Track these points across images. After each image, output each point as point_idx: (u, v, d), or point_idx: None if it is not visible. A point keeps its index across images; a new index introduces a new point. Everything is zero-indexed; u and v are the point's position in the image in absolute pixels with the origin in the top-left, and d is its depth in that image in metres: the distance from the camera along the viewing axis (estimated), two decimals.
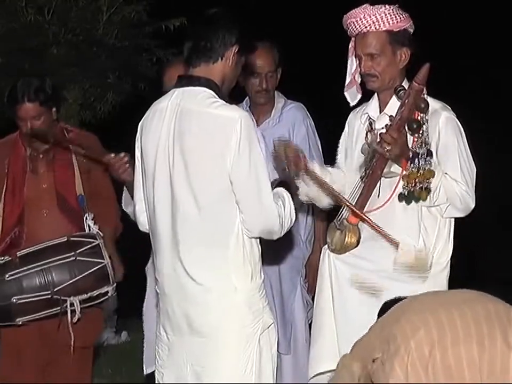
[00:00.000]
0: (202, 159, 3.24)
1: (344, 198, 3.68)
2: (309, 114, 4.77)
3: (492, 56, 13.31)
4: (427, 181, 3.51)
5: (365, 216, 3.61)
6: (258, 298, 3.31)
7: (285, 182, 3.53)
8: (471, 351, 1.80)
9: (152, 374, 3.87)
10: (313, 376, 3.78)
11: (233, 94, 4.31)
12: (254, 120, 4.51)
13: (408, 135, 3.53)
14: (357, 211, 3.62)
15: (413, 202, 3.55)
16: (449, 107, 3.66)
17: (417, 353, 1.80)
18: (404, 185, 3.54)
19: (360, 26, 3.64)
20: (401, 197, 3.56)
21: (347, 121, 3.92)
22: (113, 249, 4.35)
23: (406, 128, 3.51)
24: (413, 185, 3.52)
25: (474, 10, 13.01)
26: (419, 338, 1.81)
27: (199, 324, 3.30)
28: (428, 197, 3.54)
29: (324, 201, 3.87)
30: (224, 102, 3.27)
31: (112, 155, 3.80)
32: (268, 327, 3.32)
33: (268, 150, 4.03)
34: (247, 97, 4.74)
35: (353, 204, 3.65)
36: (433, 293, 1.88)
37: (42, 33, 7.22)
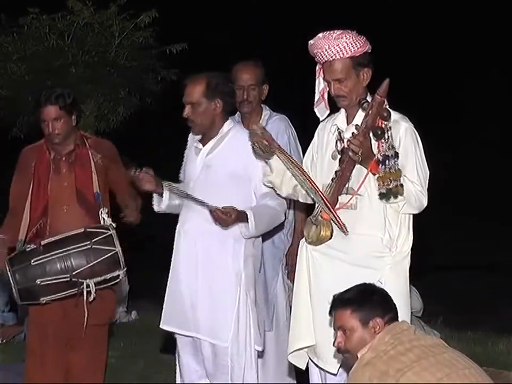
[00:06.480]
0: None
1: (311, 181, 3.67)
2: (291, 125, 4.80)
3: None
4: (399, 178, 3.52)
5: (327, 202, 3.62)
6: None
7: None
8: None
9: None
10: (292, 352, 3.87)
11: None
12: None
13: (373, 141, 3.56)
14: (325, 200, 3.62)
15: (392, 198, 3.56)
16: (407, 118, 3.70)
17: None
18: (380, 185, 3.54)
19: (326, 56, 3.66)
20: (381, 196, 3.57)
21: (317, 131, 3.95)
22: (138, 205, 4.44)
23: (371, 134, 3.55)
24: (389, 183, 3.51)
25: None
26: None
27: None
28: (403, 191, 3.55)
29: (283, 190, 3.91)
30: None
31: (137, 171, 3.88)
32: None
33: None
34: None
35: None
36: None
37: (63, 55, 7.27)
